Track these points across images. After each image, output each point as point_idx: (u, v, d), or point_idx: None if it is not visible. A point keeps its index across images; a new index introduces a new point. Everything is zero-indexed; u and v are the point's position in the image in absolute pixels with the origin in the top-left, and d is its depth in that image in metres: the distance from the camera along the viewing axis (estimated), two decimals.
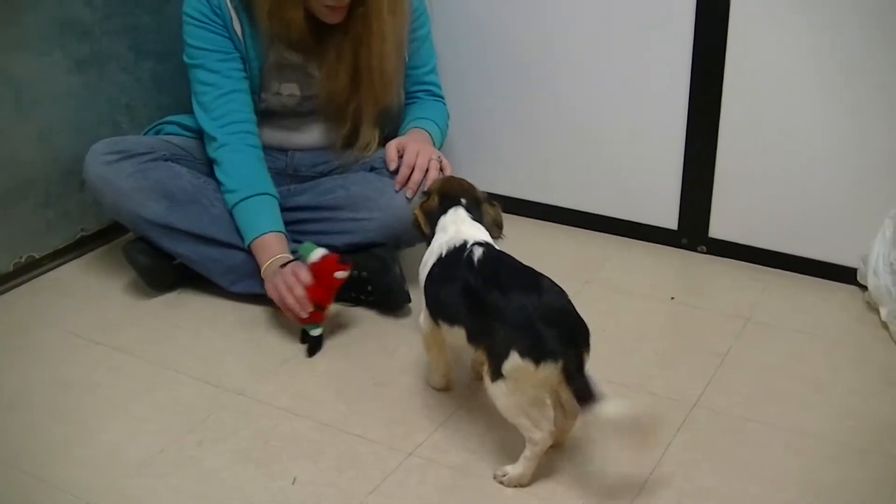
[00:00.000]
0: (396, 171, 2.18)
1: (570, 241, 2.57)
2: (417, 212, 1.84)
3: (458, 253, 1.70)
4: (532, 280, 1.61)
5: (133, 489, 1.68)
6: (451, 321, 1.69)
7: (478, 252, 1.68)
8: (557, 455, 1.70)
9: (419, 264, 1.81)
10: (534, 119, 2.59)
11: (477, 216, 1.78)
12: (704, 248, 2.48)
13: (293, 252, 2.10)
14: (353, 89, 2.23)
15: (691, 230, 2.49)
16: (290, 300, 1.99)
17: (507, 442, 1.73)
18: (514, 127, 2.63)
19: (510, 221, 1.91)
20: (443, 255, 1.72)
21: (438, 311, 1.73)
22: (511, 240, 1.86)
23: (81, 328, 2.16)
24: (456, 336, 1.69)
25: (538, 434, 1.61)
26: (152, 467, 1.73)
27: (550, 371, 1.52)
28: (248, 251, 2.14)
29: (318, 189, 2.28)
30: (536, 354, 1.51)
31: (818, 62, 2.19)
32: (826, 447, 1.76)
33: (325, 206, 2.25)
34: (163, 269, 2.25)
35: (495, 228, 1.83)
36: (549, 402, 1.63)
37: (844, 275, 2.30)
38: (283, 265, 2.04)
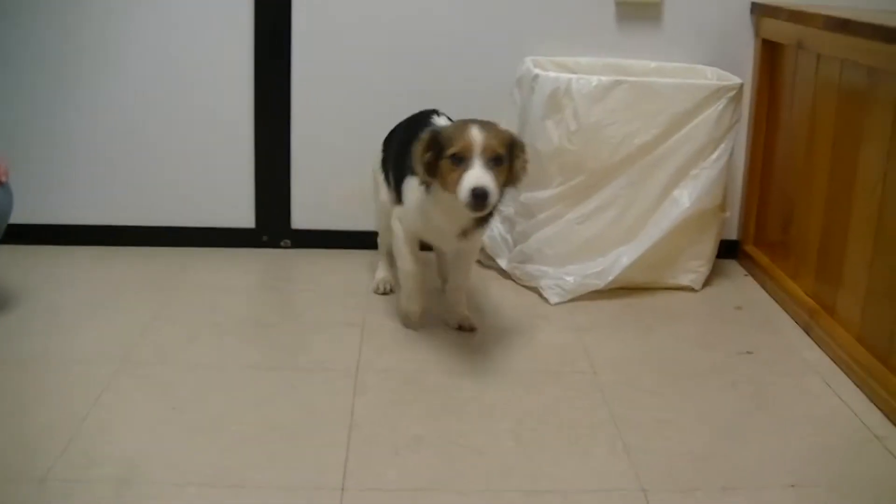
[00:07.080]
0: None
1: (138, 262, 2.15)
2: None
3: None
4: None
5: None
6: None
7: None
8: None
9: None
10: (80, 129, 2.18)
11: None
12: (289, 241, 2.27)
13: None
14: None
15: (272, 226, 2.26)
16: None
17: (175, 434, 1.37)
18: (54, 138, 2.18)
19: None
20: None
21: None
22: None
23: None
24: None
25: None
26: None
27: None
28: None
29: None
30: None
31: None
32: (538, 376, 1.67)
33: None
34: None
35: None
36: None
37: None
38: None
